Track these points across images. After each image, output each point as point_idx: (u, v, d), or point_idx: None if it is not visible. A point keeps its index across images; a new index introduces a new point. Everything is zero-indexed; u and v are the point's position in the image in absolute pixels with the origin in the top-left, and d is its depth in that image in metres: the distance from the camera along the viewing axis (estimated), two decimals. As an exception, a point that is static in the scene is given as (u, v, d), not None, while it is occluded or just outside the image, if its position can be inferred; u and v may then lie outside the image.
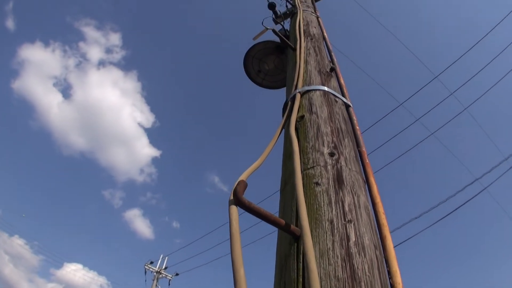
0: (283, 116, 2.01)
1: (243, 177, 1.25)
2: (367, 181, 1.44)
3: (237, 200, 0.96)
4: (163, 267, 20.44)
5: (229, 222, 0.89)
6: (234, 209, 0.93)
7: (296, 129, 1.60)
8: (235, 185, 1.02)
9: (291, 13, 4.10)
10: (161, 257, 20.59)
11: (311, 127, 1.52)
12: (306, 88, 1.89)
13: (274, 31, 2.58)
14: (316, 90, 1.87)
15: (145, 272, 19.98)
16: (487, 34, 9.99)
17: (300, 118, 1.65)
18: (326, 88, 1.89)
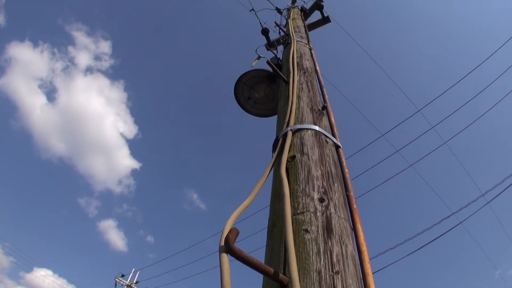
0: (273, 151, 2.09)
1: (232, 218, 1.29)
2: (354, 228, 1.51)
3: (228, 248, 1.00)
4: (134, 281, 20.64)
5: (220, 272, 0.92)
6: (226, 258, 0.97)
7: (287, 170, 1.67)
8: (226, 232, 1.06)
9: (285, 42, 4.29)
10: (132, 271, 20.79)
11: (302, 170, 1.60)
12: (298, 126, 1.98)
13: (268, 62, 2.70)
14: (308, 129, 1.96)
15: (115, 285, 20.04)
16: (468, 73, 10.73)
17: (291, 158, 1.73)
18: (317, 128, 1.99)
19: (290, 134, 1.93)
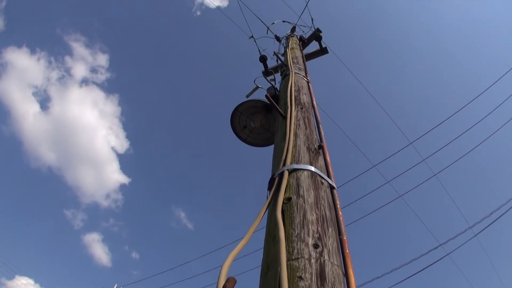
0: (268, 189, 2.20)
1: (228, 261, 1.38)
2: (346, 273, 1.61)
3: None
4: (116, 297, 20.24)
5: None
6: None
7: (282, 211, 1.78)
8: (223, 281, 1.15)
9: (283, 73, 4.50)
10: (115, 287, 20.76)
11: (298, 213, 1.71)
12: (295, 166, 2.12)
13: (267, 97, 2.87)
14: (304, 170, 2.09)
15: (97, 299, 19.83)
16: (459, 110, 11.30)
17: (287, 200, 1.84)
18: (313, 169, 2.12)
19: (286, 174, 2.05)
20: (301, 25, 7.03)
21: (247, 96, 3.87)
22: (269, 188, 2.17)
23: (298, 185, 1.95)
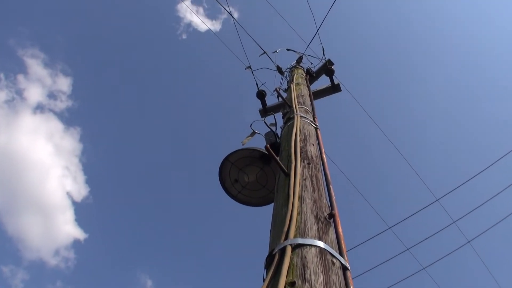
0: (266, 268, 2.24)
1: None
2: None
3: None
4: None
5: None
6: None
7: (284, 300, 1.81)
8: None
9: (285, 115, 4.68)
10: None
11: (303, 304, 1.75)
12: (300, 241, 2.18)
13: (267, 148, 2.98)
14: (312, 246, 2.15)
15: None
16: (497, 161, 11.61)
17: (290, 285, 1.88)
18: (322, 245, 2.18)
19: (289, 250, 2.10)
20: (309, 55, 7.40)
21: (243, 144, 4.00)
22: (267, 267, 2.21)
23: (303, 266, 2.00)
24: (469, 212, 11.70)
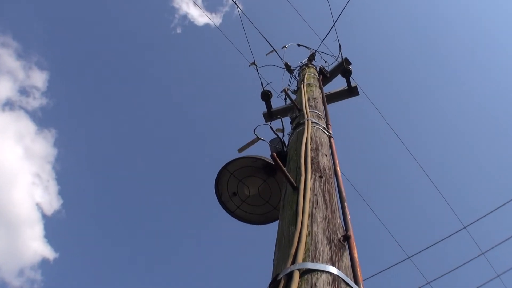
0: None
1: None
2: None
3: None
4: None
5: None
6: None
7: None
8: None
9: (294, 120, 4.69)
10: None
11: None
12: (310, 265, 2.16)
13: (273, 157, 2.98)
14: (324, 272, 2.13)
15: None
16: None
17: (297, 318, 1.87)
18: (336, 271, 2.17)
19: (297, 276, 2.09)
20: (322, 52, 7.41)
21: (240, 151, 4.00)
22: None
23: (313, 296, 1.99)
24: (500, 243, 11.70)
